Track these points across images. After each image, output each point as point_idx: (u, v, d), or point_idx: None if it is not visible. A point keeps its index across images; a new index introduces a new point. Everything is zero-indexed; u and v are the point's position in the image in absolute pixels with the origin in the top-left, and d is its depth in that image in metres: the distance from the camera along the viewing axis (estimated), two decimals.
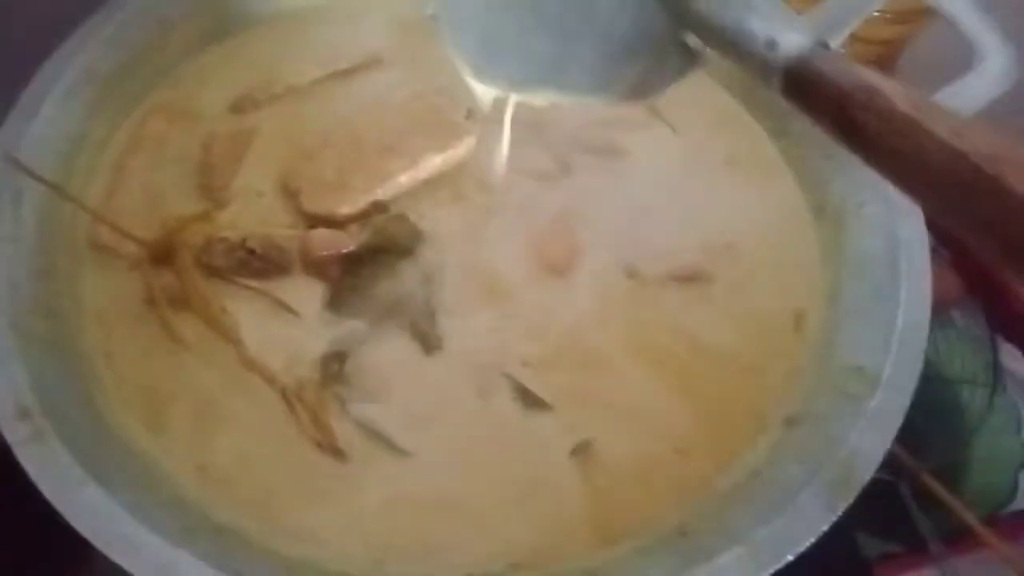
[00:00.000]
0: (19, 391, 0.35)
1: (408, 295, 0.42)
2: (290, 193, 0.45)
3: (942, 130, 0.23)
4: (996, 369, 0.55)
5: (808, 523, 0.34)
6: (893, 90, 0.24)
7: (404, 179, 0.45)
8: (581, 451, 0.39)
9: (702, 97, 0.51)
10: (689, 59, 0.32)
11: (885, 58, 0.59)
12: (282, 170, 0.46)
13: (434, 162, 0.46)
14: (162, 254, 0.42)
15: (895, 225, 0.42)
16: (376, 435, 0.38)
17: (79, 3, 0.47)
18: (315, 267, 0.42)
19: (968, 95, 0.41)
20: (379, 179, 0.45)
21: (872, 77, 0.25)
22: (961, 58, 0.45)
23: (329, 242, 0.43)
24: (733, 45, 0.28)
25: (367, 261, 0.42)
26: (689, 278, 0.44)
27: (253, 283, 0.42)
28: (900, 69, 0.62)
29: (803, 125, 0.47)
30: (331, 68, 0.51)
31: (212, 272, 0.42)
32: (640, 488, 0.38)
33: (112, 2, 0.48)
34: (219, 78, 0.50)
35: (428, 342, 0.41)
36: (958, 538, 0.49)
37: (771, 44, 0.27)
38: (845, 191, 0.45)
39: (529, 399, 0.40)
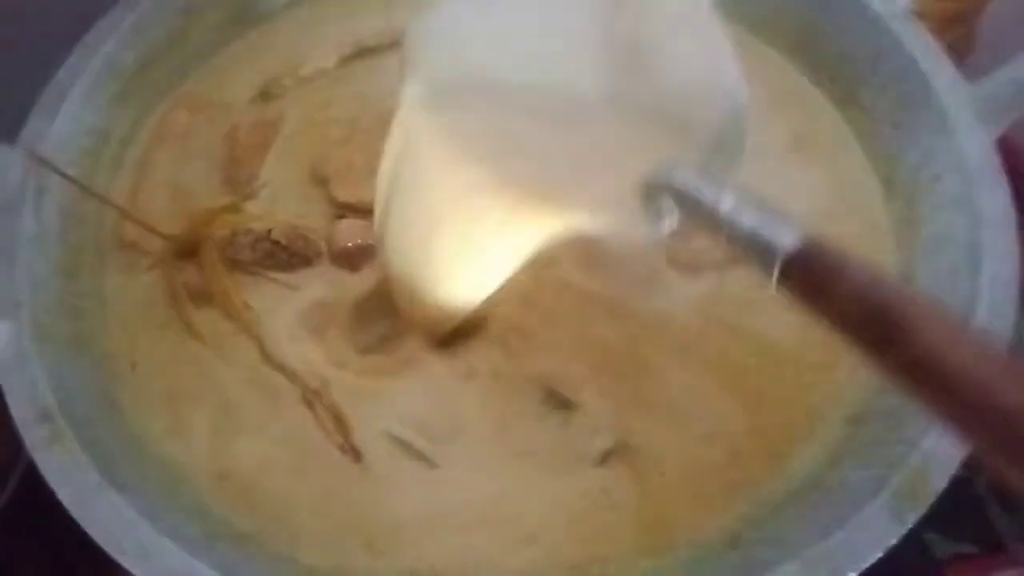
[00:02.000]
0: (39, 393, 0.35)
1: None
2: (319, 180, 0.43)
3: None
4: None
5: (873, 537, 0.30)
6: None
7: None
8: (619, 453, 0.36)
9: (758, 66, 0.47)
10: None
11: (961, 15, 0.53)
12: (311, 158, 0.44)
13: None
14: (187, 248, 0.41)
15: (976, 200, 0.37)
16: (402, 444, 0.36)
17: None
18: (342, 258, 0.41)
19: None
20: None
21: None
22: None
23: (357, 232, 0.41)
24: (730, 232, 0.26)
25: None
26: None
27: (279, 276, 0.41)
28: (980, 30, 0.56)
29: (872, 93, 0.44)
30: (359, 46, 0.49)
31: (238, 265, 0.41)
32: (689, 493, 0.35)
33: None
34: (245, 66, 0.49)
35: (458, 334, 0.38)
36: None
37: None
38: (917, 163, 0.41)
39: (557, 401, 0.37)
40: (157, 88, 0.47)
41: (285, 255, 0.41)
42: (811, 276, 0.24)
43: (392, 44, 0.49)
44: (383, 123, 0.44)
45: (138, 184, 0.45)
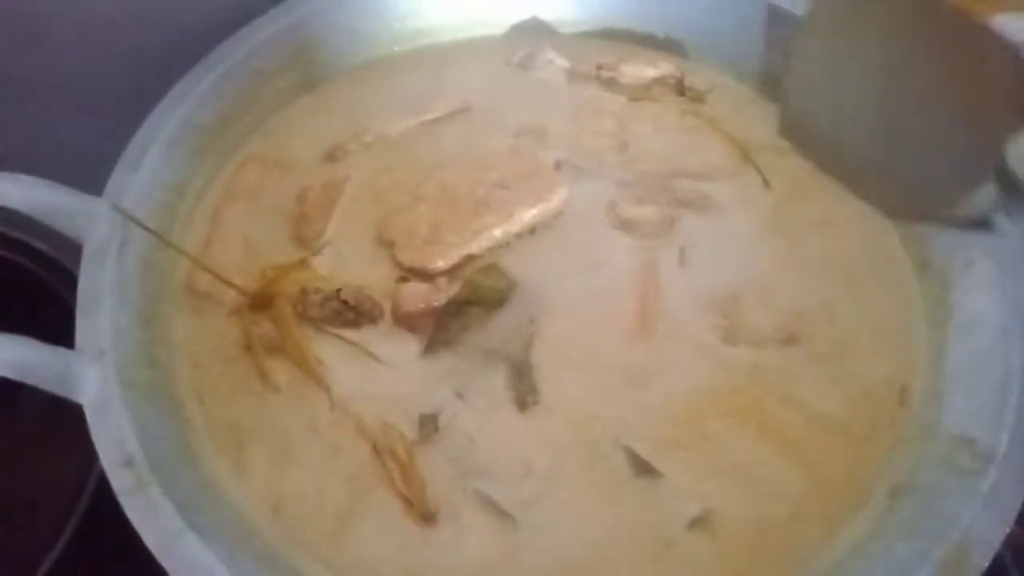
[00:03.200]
0: (124, 440, 0.36)
1: (501, 349, 0.42)
2: (385, 244, 0.46)
3: None
4: None
5: None
6: None
7: (498, 233, 0.45)
8: (702, 521, 0.37)
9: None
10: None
11: None
12: (375, 221, 0.47)
13: (528, 216, 0.46)
14: (261, 302, 0.43)
15: (1007, 285, 0.40)
16: (482, 500, 0.38)
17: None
18: (406, 321, 0.43)
19: None
20: (473, 233, 0.45)
21: None
22: None
23: (420, 297, 0.43)
24: None
25: (458, 314, 0.42)
26: (786, 341, 0.42)
27: (346, 333, 0.43)
28: None
29: None
30: (420, 117, 0.52)
31: (306, 321, 0.43)
32: (758, 553, 0.37)
33: (211, 55, 0.50)
34: (311, 127, 0.52)
35: (523, 399, 0.40)
36: None
37: None
38: (951, 248, 0.43)
39: (639, 465, 0.38)
40: (230, 145, 0.50)
41: (352, 315, 0.43)
42: None
43: (451, 113, 0.52)
44: (445, 192, 0.47)
45: (211, 237, 0.47)
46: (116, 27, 0.51)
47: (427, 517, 0.37)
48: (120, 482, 0.35)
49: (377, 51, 0.56)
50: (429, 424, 0.40)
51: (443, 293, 0.43)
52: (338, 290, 0.43)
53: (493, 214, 0.45)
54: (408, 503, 0.38)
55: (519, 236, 0.45)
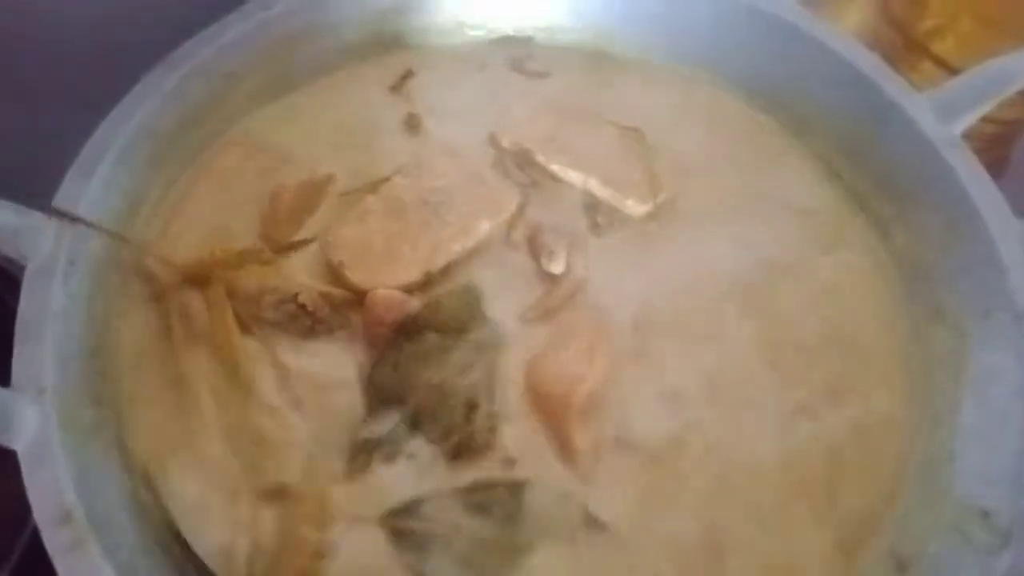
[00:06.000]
0: (62, 491, 0.33)
1: (450, 381, 0.38)
2: (332, 267, 0.41)
3: None
4: None
5: None
6: None
7: (457, 248, 0.41)
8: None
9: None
10: None
11: (1002, 137, 0.54)
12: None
13: (483, 229, 0.42)
14: (197, 277, 0.40)
15: None
16: None
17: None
18: (375, 329, 0.39)
19: None
20: (431, 249, 0.41)
21: None
22: None
23: (396, 303, 0.39)
24: None
25: (412, 336, 0.38)
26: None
27: (298, 341, 0.39)
28: (1016, 153, 0.57)
29: (921, 213, 0.43)
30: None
31: (260, 322, 0.39)
32: None
33: (173, 55, 0.45)
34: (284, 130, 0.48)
35: (461, 448, 0.36)
36: None
37: None
38: (968, 293, 0.40)
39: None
40: (190, 152, 0.46)
41: (309, 321, 0.39)
42: None
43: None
44: (389, 203, 0.43)
45: (169, 225, 0.43)
46: (66, 27, 0.47)
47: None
48: (54, 541, 0.32)
49: (355, 52, 0.52)
50: (360, 456, 0.36)
51: (417, 304, 0.39)
52: (296, 293, 0.39)
53: (447, 227, 0.42)
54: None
55: (475, 251, 0.42)
